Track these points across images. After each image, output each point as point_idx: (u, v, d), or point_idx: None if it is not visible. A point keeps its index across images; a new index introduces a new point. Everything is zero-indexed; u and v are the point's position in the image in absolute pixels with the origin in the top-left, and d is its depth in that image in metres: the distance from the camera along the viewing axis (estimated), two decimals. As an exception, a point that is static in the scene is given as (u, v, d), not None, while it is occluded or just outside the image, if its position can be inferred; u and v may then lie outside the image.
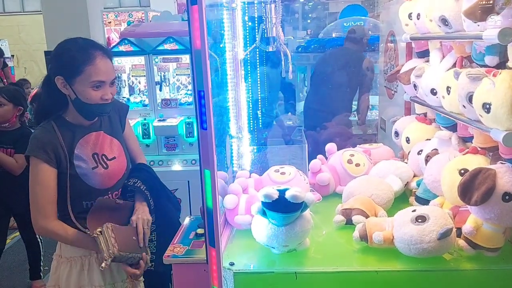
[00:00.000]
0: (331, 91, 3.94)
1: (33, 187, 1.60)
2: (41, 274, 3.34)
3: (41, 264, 3.32)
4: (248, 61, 2.81)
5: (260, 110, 3.66)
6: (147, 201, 1.74)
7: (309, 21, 7.43)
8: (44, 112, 1.70)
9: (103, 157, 1.69)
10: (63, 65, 1.59)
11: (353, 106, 4.26)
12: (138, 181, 1.74)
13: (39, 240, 3.26)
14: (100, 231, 1.54)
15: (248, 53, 2.28)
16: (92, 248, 1.64)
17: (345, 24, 5.38)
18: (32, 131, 3.22)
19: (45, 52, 8.33)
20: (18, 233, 3.53)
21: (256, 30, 2.29)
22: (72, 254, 1.69)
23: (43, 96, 1.69)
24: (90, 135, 1.69)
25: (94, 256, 1.68)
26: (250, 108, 2.42)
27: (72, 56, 1.57)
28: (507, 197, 1.23)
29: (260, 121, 3.69)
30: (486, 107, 1.23)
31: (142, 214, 1.68)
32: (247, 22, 2.29)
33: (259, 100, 3.62)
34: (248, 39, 2.34)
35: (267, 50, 2.22)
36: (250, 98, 2.64)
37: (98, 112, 1.67)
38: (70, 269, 1.68)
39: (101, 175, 1.68)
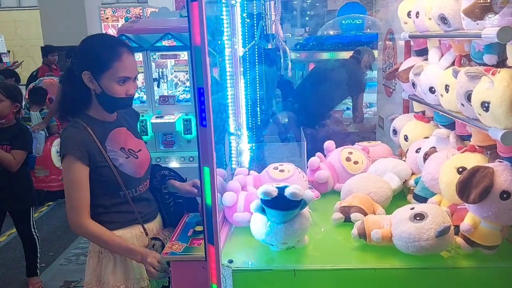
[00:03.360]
0: (322, 92, 4.04)
1: (68, 186, 1.64)
2: (38, 271, 3.33)
3: (38, 260, 3.31)
4: (247, 58, 2.80)
5: (258, 107, 3.66)
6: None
7: (307, 18, 7.43)
8: (69, 107, 1.72)
9: (130, 150, 1.75)
10: (91, 61, 1.62)
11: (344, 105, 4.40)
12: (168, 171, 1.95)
13: (35, 236, 3.25)
14: (153, 245, 1.71)
15: (247, 50, 2.28)
16: (125, 254, 1.68)
17: (343, 22, 5.37)
18: (28, 127, 3.23)
19: (41, 47, 8.31)
20: (14, 230, 3.52)
21: (255, 27, 2.28)
22: None
23: (67, 91, 1.72)
24: (116, 131, 1.74)
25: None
26: (249, 105, 2.41)
27: (100, 52, 1.62)
28: (505, 195, 1.24)
29: (259, 118, 3.69)
30: (485, 106, 1.24)
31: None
32: (246, 19, 2.29)
33: (258, 97, 3.63)
34: (247, 36, 2.33)
35: (266, 48, 2.22)
36: (249, 95, 2.64)
37: (122, 106, 1.72)
38: (114, 263, 1.71)
39: (134, 164, 1.73)
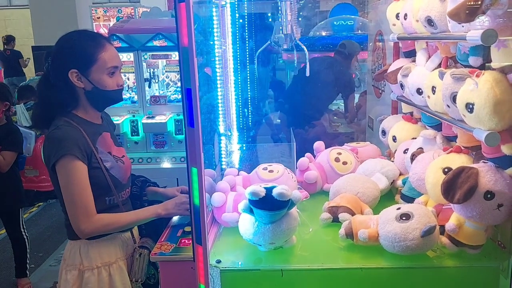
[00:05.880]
0: (310, 94, 4.03)
1: (71, 189, 1.52)
2: (27, 272, 3.31)
3: (27, 261, 3.29)
4: (238, 60, 2.81)
5: (249, 108, 3.66)
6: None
7: (300, 19, 7.44)
8: (52, 112, 1.61)
9: (115, 156, 1.69)
10: (76, 57, 1.56)
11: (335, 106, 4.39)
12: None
13: (25, 237, 3.22)
14: (140, 254, 1.70)
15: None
16: (145, 221, 1.69)
17: (335, 23, 5.39)
18: (17, 126, 3.20)
19: (32, 47, 8.24)
20: (3, 231, 3.49)
21: (248, 28, 2.28)
22: (102, 260, 1.64)
23: (49, 96, 1.61)
24: (105, 134, 1.68)
25: (124, 260, 1.70)
26: (240, 106, 2.42)
27: (84, 46, 1.57)
28: (488, 196, 1.25)
29: (250, 119, 3.70)
30: (469, 107, 1.25)
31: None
32: (236, 20, 2.30)
33: (249, 98, 3.63)
34: (237, 37, 2.34)
35: (282, 48, 2.21)
36: (240, 96, 2.64)
37: (115, 99, 1.67)
38: (99, 277, 1.63)
39: (123, 168, 1.70)
